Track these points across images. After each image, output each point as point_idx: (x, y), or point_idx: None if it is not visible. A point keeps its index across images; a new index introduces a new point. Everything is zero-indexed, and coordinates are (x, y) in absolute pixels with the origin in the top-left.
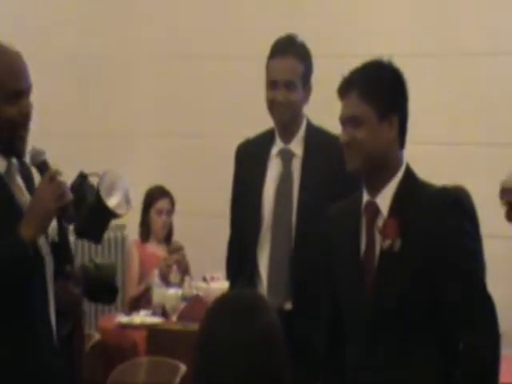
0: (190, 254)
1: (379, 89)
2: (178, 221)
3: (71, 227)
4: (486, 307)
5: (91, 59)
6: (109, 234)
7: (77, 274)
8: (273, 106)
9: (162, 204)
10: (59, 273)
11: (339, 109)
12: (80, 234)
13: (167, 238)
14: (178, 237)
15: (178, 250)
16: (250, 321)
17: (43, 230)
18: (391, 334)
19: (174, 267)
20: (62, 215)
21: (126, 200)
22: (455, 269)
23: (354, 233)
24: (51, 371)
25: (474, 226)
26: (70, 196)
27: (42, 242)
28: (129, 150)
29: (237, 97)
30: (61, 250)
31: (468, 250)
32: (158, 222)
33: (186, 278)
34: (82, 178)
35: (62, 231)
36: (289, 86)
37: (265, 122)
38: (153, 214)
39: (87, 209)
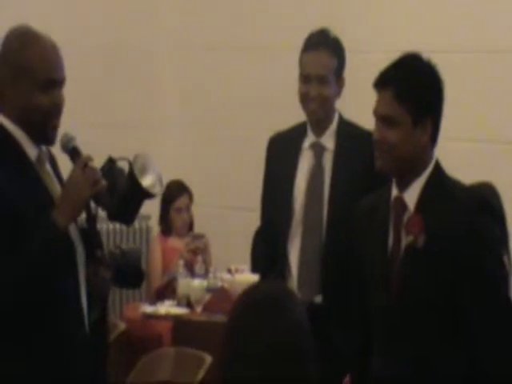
0: (214, 246)
1: (416, 91)
2: (201, 213)
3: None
4: (504, 319)
5: (116, 49)
6: (133, 224)
7: (107, 259)
8: (306, 100)
9: (181, 202)
10: (90, 258)
11: (369, 105)
12: (112, 216)
13: (188, 230)
14: (201, 229)
15: (200, 237)
16: (277, 313)
17: (76, 216)
18: (414, 332)
19: (199, 258)
20: (97, 202)
21: (159, 180)
22: (477, 273)
23: (383, 228)
24: (82, 357)
25: (501, 225)
26: (103, 182)
27: (72, 228)
28: (153, 141)
29: (264, 89)
30: (90, 235)
31: (492, 254)
32: (178, 219)
33: (211, 270)
34: (111, 162)
35: (90, 217)
36: (322, 80)
37: (292, 114)
38: (172, 211)
39: (120, 191)
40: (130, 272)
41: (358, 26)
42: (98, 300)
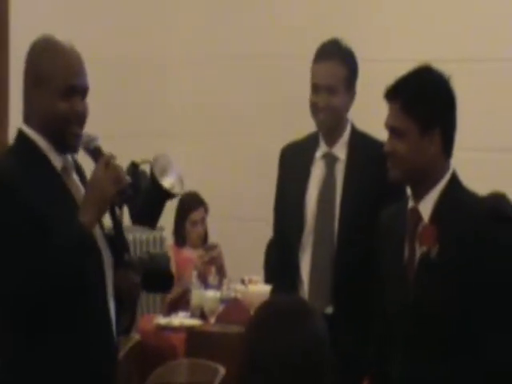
0: (227, 257)
1: (422, 103)
2: (214, 224)
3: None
4: None
5: (130, 60)
6: (147, 235)
7: (135, 263)
8: (314, 110)
9: (197, 215)
10: (118, 262)
11: (384, 114)
12: (136, 219)
13: (203, 242)
14: (214, 240)
15: (213, 247)
16: (298, 326)
17: (101, 214)
18: (429, 342)
19: (213, 269)
20: (121, 199)
21: (180, 180)
22: (490, 282)
23: (399, 238)
24: (108, 362)
25: None
26: (127, 179)
27: (99, 235)
28: (166, 151)
29: (277, 99)
30: (117, 240)
31: (505, 263)
32: (192, 232)
33: (225, 281)
34: (134, 166)
35: (116, 221)
36: (330, 90)
37: (305, 124)
38: (187, 224)
39: (142, 194)
40: (159, 276)
41: (370, 35)
42: (129, 305)
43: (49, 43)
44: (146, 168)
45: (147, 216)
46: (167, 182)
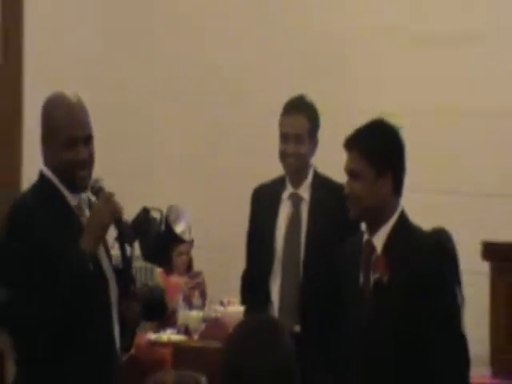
0: (209, 282)
1: (377, 152)
2: (198, 253)
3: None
4: (457, 347)
5: (115, 110)
6: (140, 263)
7: (138, 295)
8: (284, 156)
9: (183, 247)
10: (124, 293)
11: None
12: (148, 257)
13: (188, 269)
14: (198, 267)
15: (198, 274)
16: (271, 340)
17: (99, 239)
18: (383, 362)
19: (196, 293)
20: (118, 227)
21: (189, 228)
22: (433, 306)
23: (356, 267)
24: (113, 375)
25: (455, 264)
26: (122, 210)
27: (107, 266)
28: (149, 183)
29: (256, 136)
30: (124, 273)
31: (445, 291)
32: (179, 262)
33: (206, 302)
34: (145, 211)
35: (124, 257)
36: (298, 139)
37: (274, 168)
38: (174, 255)
39: (156, 235)
40: (156, 306)
41: (335, 90)
42: (130, 330)
43: (54, 98)
44: (155, 214)
45: (157, 256)
46: (179, 229)
